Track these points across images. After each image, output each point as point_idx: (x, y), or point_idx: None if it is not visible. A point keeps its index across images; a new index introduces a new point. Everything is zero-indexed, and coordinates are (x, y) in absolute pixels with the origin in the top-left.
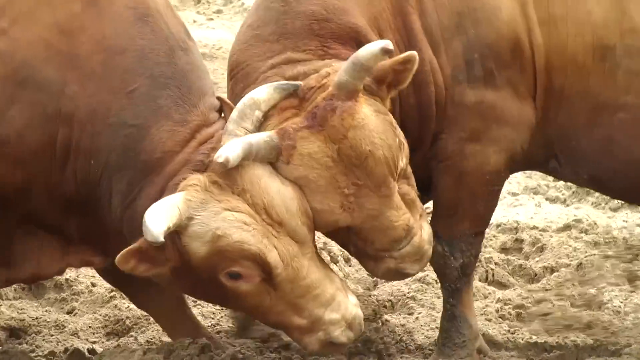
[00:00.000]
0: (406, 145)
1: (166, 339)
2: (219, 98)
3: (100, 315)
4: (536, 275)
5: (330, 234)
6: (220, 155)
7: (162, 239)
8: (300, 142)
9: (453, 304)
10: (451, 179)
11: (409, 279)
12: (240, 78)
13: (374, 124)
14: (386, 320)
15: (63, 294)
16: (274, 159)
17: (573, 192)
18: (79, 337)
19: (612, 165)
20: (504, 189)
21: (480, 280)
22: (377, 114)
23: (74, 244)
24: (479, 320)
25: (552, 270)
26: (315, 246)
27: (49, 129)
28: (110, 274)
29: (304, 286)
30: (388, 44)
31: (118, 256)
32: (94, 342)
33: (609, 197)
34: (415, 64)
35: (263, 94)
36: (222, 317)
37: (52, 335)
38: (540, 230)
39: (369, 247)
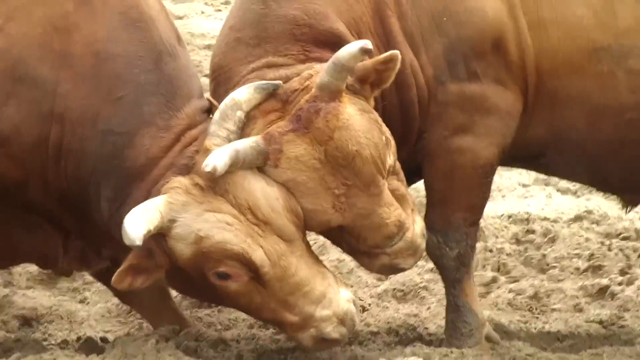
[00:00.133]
0: (393, 141)
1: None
2: (208, 99)
3: (112, 304)
4: (548, 265)
5: (323, 232)
6: (207, 164)
7: (139, 242)
8: (287, 145)
9: (455, 294)
10: (441, 171)
11: (421, 269)
12: (222, 81)
13: (359, 123)
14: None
15: (75, 284)
16: (262, 163)
17: None
18: (91, 326)
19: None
20: (514, 180)
21: (492, 271)
22: (361, 113)
23: (72, 239)
24: (492, 310)
25: (564, 260)
26: (306, 243)
27: (43, 127)
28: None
29: (293, 284)
30: (367, 43)
31: (113, 278)
32: (107, 331)
33: None
34: (398, 63)
35: (244, 94)
36: None
37: (64, 324)
38: (551, 221)
39: (362, 244)
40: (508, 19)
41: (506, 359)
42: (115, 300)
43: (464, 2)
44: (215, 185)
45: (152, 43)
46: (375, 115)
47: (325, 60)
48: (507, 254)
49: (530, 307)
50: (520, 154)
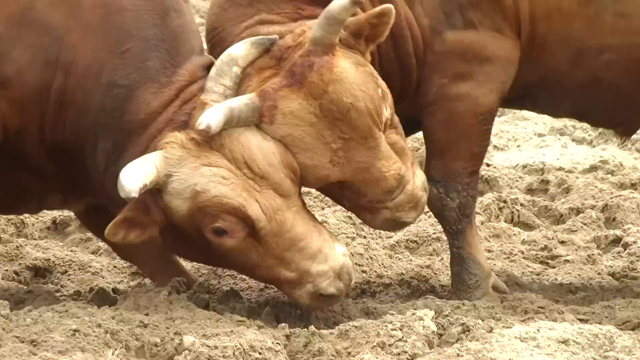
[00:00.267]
0: (389, 94)
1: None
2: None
3: None
4: (562, 216)
5: (323, 190)
6: (201, 122)
7: (135, 194)
8: (281, 101)
9: (458, 246)
10: (440, 121)
11: (434, 220)
12: (217, 42)
13: (353, 76)
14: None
15: (88, 234)
16: (257, 121)
17: (599, 133)
18: (103, 277)
19: (597, 100)
20: (530, 130)
21: (505, 222)
22: (355, 66)
23: (51, 186)
24: (504, 261)
25: (578, 211)
26: (301, 199)
27: (47, 74)
28: (93, 226)
29: (289, 239)
30: None
31: (107, 230)
32: (119, 282)
33: (635, 138)
34: (392, 16)
35: (240, 50)
36: None
37: (77, 275)
38: (566, 172)
39: (362, 200)
40: None
41: (518, 311)
42: None
43: None
44: (211, 140)
45: None
46: (371, 68)
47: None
48: (520, 204)
49: (543, 258)
50: (506, 97)
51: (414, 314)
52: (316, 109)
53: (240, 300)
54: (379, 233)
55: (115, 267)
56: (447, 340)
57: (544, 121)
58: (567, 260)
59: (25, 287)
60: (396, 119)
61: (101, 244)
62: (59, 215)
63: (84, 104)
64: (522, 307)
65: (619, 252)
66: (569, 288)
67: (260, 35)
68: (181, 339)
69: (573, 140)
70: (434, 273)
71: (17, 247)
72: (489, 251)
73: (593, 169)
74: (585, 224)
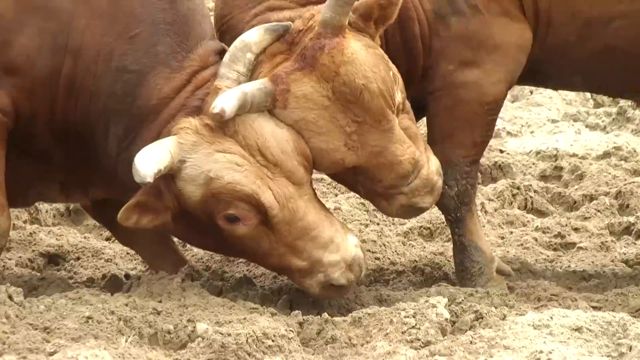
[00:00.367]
0: (400, 79)
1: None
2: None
3: None
4: (575, 203)
5: (338, 177)
6: (215, 106)
7: (150, 179)
8: (294, 84)
9: (460, 234)
10: (445, 107)
11: None
12: (226, 30)
13: (364, 57)
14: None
15: None
16: (270, 105)
17: (613, 119)
18: (116, 264)
19: (610, 68)
20: (543, 116)
21: (519, 208)
22: (366, 48)
23: (54, 173)
24: (517, 248)
25: (591, 198)
26: (313, 189)
27: (56, 60)
28: (96, 212)
29: (301, 227)
30: None
31: (119, 213)
32: (132, 269)
33: None
34: None
35: (254, 36)
36: None
37: (90, 262)
38: (579, 158)
39: (378, 185)
40: None
41: (531, 298)
42: None
43: None
44: (225, 126)
45: None
46: (381, 51)
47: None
48: (534, 191)
49: (557, 245)
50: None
51: (427, 301)
52: (328, 91)
53: (254, 288)
54: (392, 220)
55: (128, 253)
56: (460, 328)
57: (557, 107)
58: (581, 247)
59: (38, 274)
60: (408, 104)
61: None
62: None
63: (94, 89)
64: (535, 294)
65: (632, 239)
66: (582, 275)
67: (271, 22)
68: (194, 326)
69: (586, 126)
70: (447, 260)
71: (30, 233)
72: (502, 238)
73: (606, 155)
74: (598, 211)
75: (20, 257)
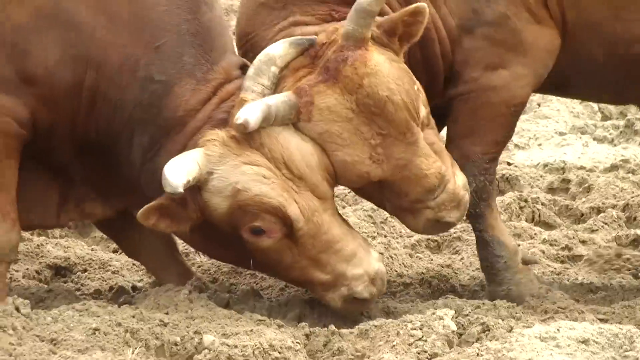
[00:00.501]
0: (423, 93)
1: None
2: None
3: None
4: (583, 215)
5: (364, 193)
6: (239, 117)
7: (181, 189)
8: (317, 97)
9: (480, 229)
10: (470, 108)
11: None
12: (250, 48)
13: (388, 69)
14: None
15: None
16: (294, 118)
17: (621, 132)
18: (123, 276)
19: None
20: (551, 128)
21: (526, 221)
22: (390, 61)
23: (74, 188)
24: None
25: (599, 210)
26: (334, 203)
27: (77, 71)
28: (103, 224)
29: (326, 241)
30: None
31: (139, 212)
32: (139, 281)
33: None
34: (426, 15)
35: (279, 49)
36: None
37: (97, 274)
38: (587, 171)
39: (404, 200)
40: None
41: (538, 310)
42: None
43: None
44: (251, 139)
45: None
46: (404, 65)
47: None
48: (541, 204)
49: (564, 258)
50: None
51: (434, 313)
52: (352, 103)
53: (261, 299)
54: (400, 232)
55: (135, 265)
56: (467, 340)
57: (565, 120)
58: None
59: (45, 286)
60: (432, 120)
61: None
62: None
63: (119, 99)
64: (542, 306)
65: None
66: (590, 287)
67: (297, 36)
68: (201, 338)
69: (594, 139)
70: (455, 272)
71: (37, 245)
72: None
73: (614, 168)
74: (606, 224)
75: (27, 269)
